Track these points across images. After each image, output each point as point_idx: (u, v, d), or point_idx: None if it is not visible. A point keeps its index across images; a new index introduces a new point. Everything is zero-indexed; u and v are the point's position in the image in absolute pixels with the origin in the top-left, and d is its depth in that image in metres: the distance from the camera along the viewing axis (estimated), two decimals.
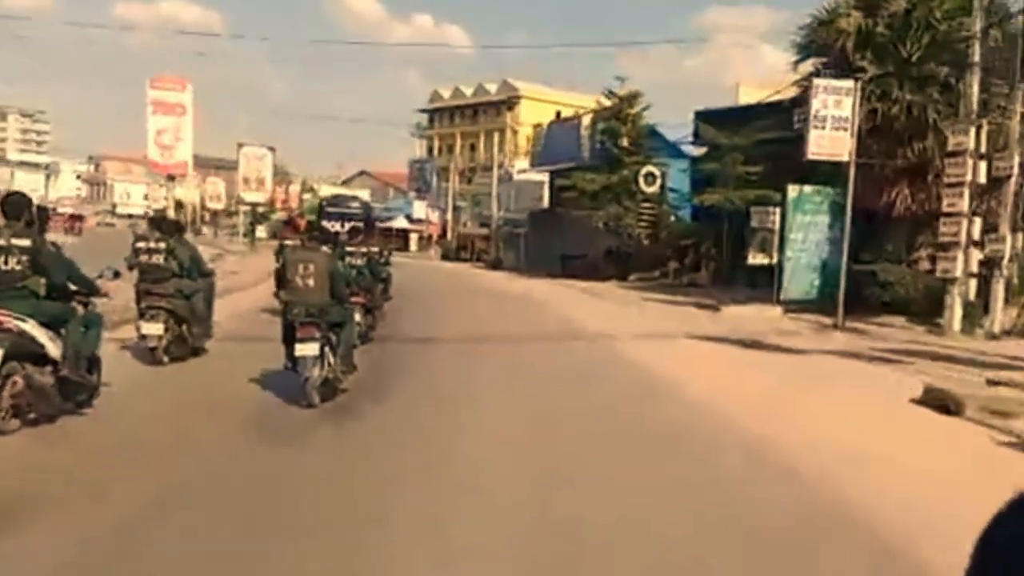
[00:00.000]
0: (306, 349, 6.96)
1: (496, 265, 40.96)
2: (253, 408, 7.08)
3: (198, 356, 9.11)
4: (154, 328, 8.36)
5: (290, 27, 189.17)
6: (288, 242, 11.84)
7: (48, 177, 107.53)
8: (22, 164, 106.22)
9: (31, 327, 5.50)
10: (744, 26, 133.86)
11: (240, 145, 46.25)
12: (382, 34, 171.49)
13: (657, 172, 30.15)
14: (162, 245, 8.75)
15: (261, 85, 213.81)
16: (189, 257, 9.05)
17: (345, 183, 78.86)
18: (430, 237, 57.04)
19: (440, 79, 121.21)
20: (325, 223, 16.48)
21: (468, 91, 72.78)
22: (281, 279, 7.64)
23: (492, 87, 70.14)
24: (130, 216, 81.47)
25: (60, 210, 50.50)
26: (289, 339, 7.18)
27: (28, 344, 5.46)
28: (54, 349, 5.62)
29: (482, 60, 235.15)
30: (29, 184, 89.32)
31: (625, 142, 30.96)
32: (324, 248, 7.77)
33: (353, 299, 8.84)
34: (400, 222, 60.69)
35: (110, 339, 8.23)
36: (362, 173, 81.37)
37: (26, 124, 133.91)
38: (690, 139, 29.94)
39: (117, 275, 7.21)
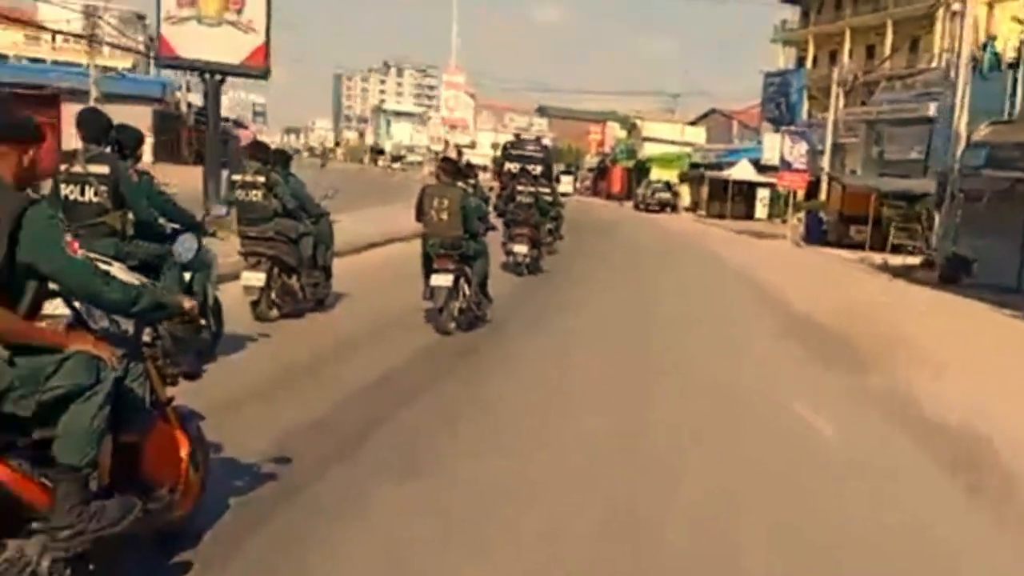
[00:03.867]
0: (440, 280, 7.60)
1: (953, 272, 17.41)
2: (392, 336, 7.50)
3: (314, 311, 8.13)
4: (254, 278, 7.41)
5: None
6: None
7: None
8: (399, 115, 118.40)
9: (117, 270, 3.61)
10: None
11: None
12: None
13: None
14: (260, 179, 7.60)
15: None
16: (292, 194, 7.73)
17: (694, 123, 58.72)
18: (790, 197, 33.59)
19: None
20: (508, 165, 22.04)
21: None
22: (419, 211, 7.88)
23: None
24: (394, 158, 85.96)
25: None
26: (427, 270, 7.78)
27: None
28: None
29: None
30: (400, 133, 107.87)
31: None
32: (459, 184, 8.23)
33: (518, 232, 12.29)
34: (742, 170, 38.75)
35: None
36: (712, 112, 59.30)
37: (419, 79, 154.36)
38: None
39: (229, 211, 7.08)
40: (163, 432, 2.98)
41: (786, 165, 30.12)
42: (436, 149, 69.89)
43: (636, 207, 45.12)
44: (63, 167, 5.00)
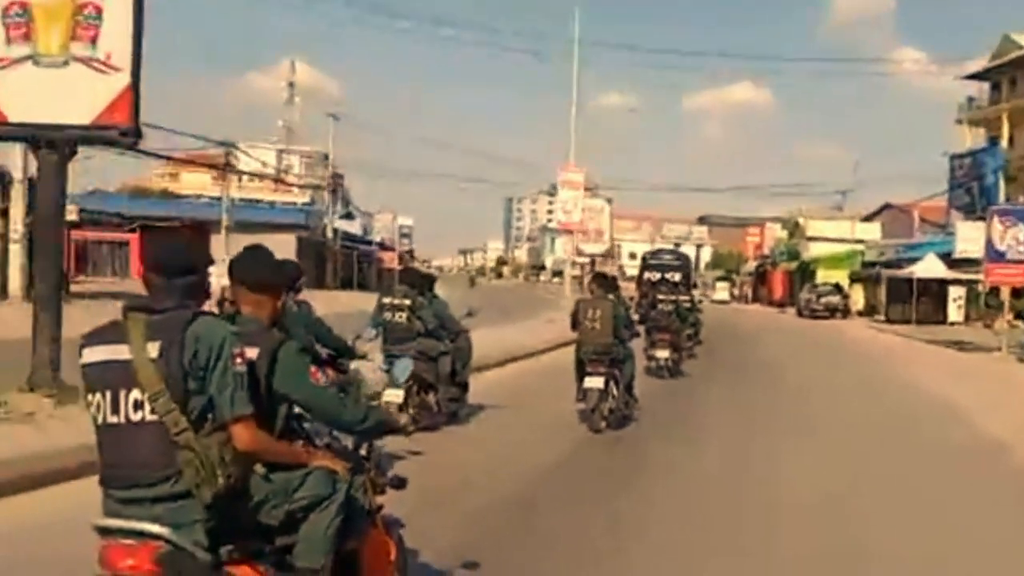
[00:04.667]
0: (593, 382, 8.30)
1: None
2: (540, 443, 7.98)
3: (448, 425, 8.37)
4: (394, 394, 7.57)
5: None
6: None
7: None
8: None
9: None
10: None
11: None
12: None
13: None
14: (406, 302, 8.24)
15: None
16: (434, 315, 8.33)
17: (868, 220, 52.69)
18: (992, 293, 26.66)
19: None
20: (647, 274, 23.69)
21: None
22: (574, 322, 8.71)
23: None
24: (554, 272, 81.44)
25: None
26: (580, 374, 8.52)
27: None
28: None
29: None
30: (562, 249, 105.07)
31: None
32: (610, 296, 8.93)
33: (660, 337, 13.08)
34: (930, 267, 32.45)
35: None
36: (886, 207, 52.70)
37: (587, 196, 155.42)
38: None
39: (377, 334, 7.86)
40: (376, 539, 3.19)
41: (996, 255, 23.29)
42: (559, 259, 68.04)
43: (799, 313, 39.30)
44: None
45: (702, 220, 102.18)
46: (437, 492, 5.33)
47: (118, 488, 2.50)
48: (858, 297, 40.73)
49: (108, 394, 2.48)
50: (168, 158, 35.60)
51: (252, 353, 2.66)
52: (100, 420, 2.50)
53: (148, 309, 2.55)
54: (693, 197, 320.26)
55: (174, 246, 2.72)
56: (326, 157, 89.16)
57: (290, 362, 2.79)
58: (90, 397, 2.52)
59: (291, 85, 76.11)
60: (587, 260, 48.17)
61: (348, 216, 62.19)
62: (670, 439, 8.45)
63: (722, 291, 59.66)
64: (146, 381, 2.44)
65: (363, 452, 3.30)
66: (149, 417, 2.45)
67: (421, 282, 8.68)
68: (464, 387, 8.71)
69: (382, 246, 54.55)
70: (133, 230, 36.68)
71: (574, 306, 8.98)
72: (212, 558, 2.47)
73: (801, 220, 54.45)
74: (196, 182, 58.82)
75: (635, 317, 11.88)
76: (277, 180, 53.83)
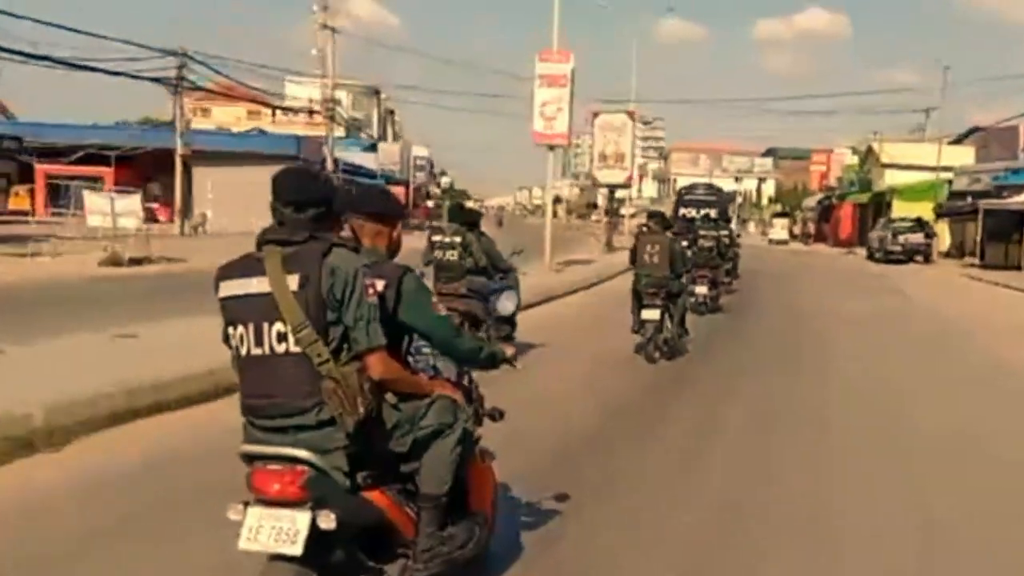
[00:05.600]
0: (649, 314, 8.58)
1: None
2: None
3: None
4: None
5: None
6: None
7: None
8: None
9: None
10: None
11: (595, 114, 33.40)
12: None
13: None
14: (456, 239, 8.11)
15: None
16: (485, 252, 8.21)
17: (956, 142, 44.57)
18: None
19: None
20: (683, 210, 20.23)
21: None
22: (634, 256, 9.15)
23: None
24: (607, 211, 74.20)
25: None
26: (637, 306, 8.76)
27: None
28: None
29: None
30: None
31: None
32: (668, 232, 9.33)
33: (700, 274, 12.55)
34: None
35: None
36: (974, 131, 44.21)
37: (645, 131, 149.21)
38: None
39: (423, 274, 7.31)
40: (478, 468, 3.24)
41: None
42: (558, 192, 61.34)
43: (870, 255, 32.36)
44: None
45: (768, 153, 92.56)
46: (512, 428, 4.14)
47: (263, 417, 2.59)
48: (944, 235, 33.51)
49: (251, 326, 2.55)
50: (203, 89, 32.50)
51: (380, 285, 2.70)
52: (243, 352, 2.59)
53: (282, 241, 2.59)
54: (759, 129, 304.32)
55: (303, 178, 2.72)
56: (377, 92, 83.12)
57: (414, 293, 2.87)
58: (231, 330, 2.60)
59: (324, 8, 69.85)
60: (604, 192, 38.51)
61: (372, 149, 56.24)
62: (719, 372, 8.51)
63: (780, 229, 52.50)
64: (289, 313, 2.50)
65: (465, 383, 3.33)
66: (293, 348, 2.51)
67: (469, 219, 8.51)
68: (514, 324, 8.58)
69: (389, 180, 48.31)
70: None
71: (633, 241, 9.63)
72: (350, 483, 2.58)
73: (875, 144, 46.45)
74: (227, 117, 54.09)
75: None
76: (311, 112, 49.55)
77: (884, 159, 44.41)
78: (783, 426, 6.24)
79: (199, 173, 33.36)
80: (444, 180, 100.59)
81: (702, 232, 14.24)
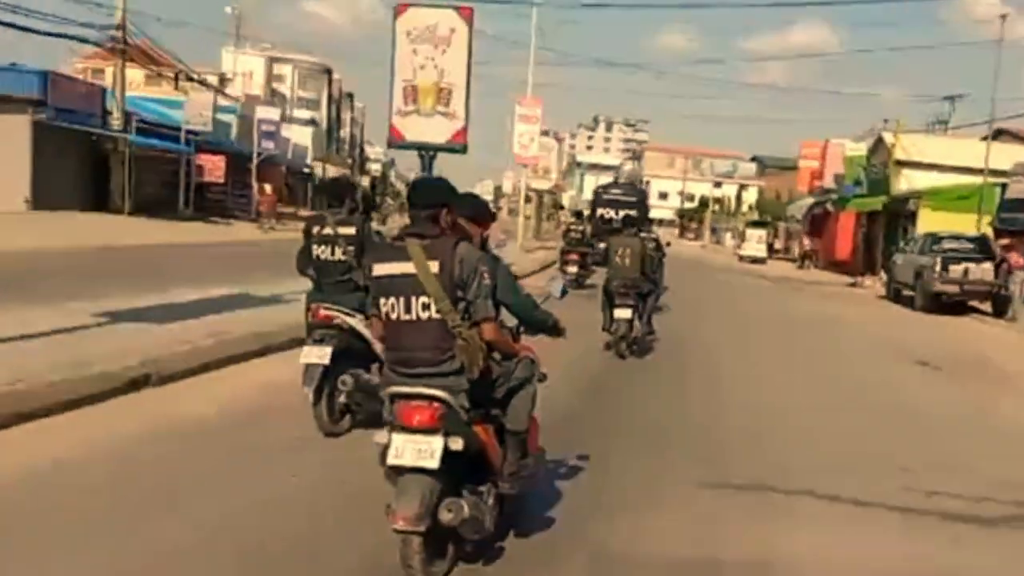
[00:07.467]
0: (622, 313, 9.33)
1: None
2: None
3: None
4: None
5: None
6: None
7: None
8: (593, 167, 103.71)
9: (357, 323, 5.49)
10: None
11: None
12: None
13: None
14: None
15: None
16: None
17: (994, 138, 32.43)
18: None
19: None
20: (600, 210, 23.67)
21: None
22: (605, 257, 10.16)
23: None
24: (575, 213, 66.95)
25: None
26: (608, 305, 9.56)
27: (356, 342, 5.54)
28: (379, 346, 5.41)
29: None
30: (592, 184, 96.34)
31: None
32: (640, 235, 10.27)
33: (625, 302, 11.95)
34: None
35: None
36: (1001, 133, 32.58)
37: (628, 133, 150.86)
38: None
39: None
40: (533, 417, 4.02)
41: None
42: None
43: (895, 295, 21.02)
44: (315, 229, 5.90)
45: (755, 159, 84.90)
46: None
47: (407, 367, 3.49)
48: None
49: (401, 299, 3.45)
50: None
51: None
52: (394, 317, 3.48)
53: (418, 235, 3.49)
54: (746, 135, 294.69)
55: (426, 187, 3.78)
56: (328, 71, 70.89)
57: (507, 278, 3.94)
58: (382, 301, 3.50)
59: None
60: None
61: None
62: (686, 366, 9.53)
63: (755, 243, 40.81)
64: (432, 290, 3.40)
65: None
66: (434, 316, 3.42)
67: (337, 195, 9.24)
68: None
69: (201, 146, 32.61)
70: None
71: (606, 244, 10.37)
72: (468, 417, 3.49)
73: (886, 135, 34.94)
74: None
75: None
76: (221, 80, 43.49)
77: (899, 154, 33.07)
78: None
79: None
80: (374, 167, 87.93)
81: (626, 239, 10.41)
